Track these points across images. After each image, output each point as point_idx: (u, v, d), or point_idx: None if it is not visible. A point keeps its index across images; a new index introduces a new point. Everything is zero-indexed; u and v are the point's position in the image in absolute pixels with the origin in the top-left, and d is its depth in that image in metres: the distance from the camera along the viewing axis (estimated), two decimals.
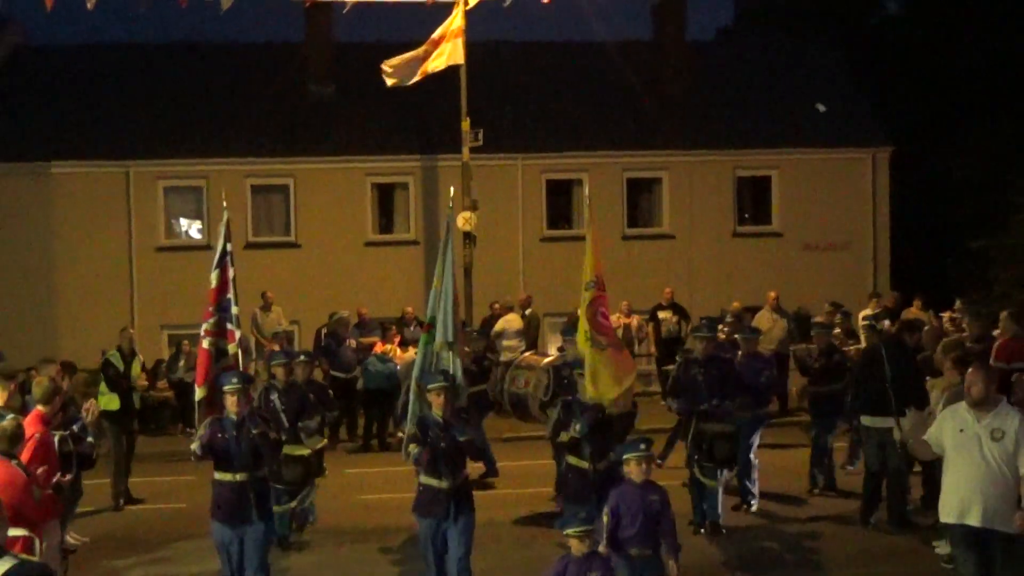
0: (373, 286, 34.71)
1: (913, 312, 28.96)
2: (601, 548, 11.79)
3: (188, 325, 30.07)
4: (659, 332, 31.36)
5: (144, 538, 18.21)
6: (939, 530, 17.21)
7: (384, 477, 20.61)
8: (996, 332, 22.21)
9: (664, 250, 37.05)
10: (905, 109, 46.06)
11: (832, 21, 52.12)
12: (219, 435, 13.61)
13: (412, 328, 27.42)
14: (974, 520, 11.85)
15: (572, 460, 14.96)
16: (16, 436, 11.66)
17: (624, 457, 12.45)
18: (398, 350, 27.27)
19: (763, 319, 28.95)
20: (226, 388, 13.84)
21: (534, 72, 39.05)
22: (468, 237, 31.92)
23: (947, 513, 12.21)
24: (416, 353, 16.16)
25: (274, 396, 17.86)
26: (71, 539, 17.54)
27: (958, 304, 28.36)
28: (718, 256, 36.76)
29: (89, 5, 28.41)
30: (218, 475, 13.72)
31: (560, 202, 37.85)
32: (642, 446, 12.42)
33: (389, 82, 30.64)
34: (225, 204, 16.47)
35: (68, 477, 13.14)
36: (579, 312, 17.13)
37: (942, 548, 16.63)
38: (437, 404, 13.93)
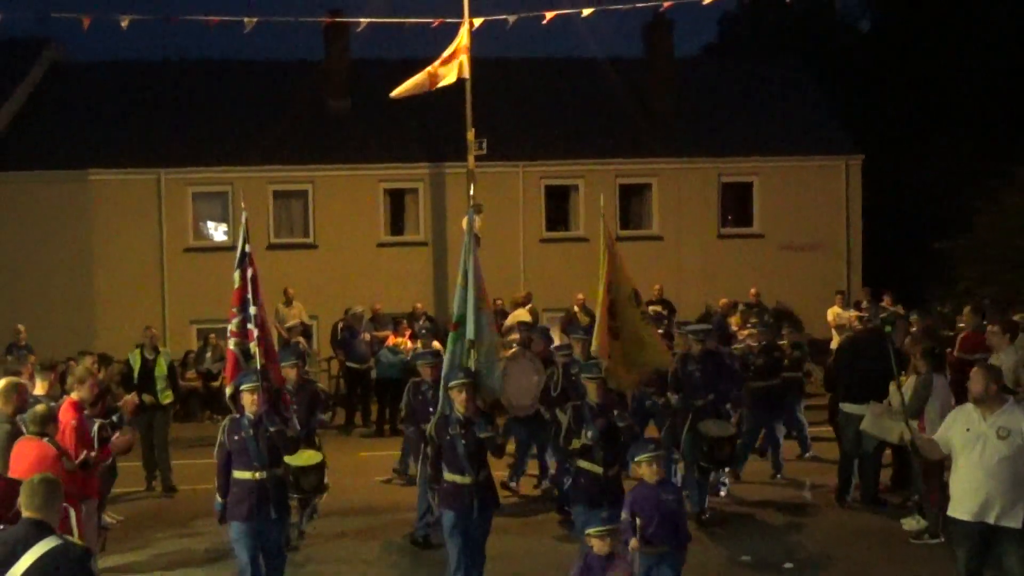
0: (385, 284, 34.68)
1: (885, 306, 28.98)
2: (633, 544, 11.44)
3: (215, 320, 30.15)
4: None
5: (176, 516, 18.12)
6: (908, 508, 17.23)
7: (395, 460, 20.33)
8: (960, 325, 22.28)
9: (654, 250, 36.96)
10: (875, 121, 46.07)
11: (807, 41, 52.44)
12: (236, 436, 12.81)
13: (421, 322, 27.34)
14: (981, 517, 11.62)
15: (584, 465, 13.51)
16: (46, 418, 11.72)
17: (636, 459, 11.95)
18: (408, 343, 27.23)
19: (735, 321, 28.93)
20: (243, 387, 13.04)
21: (534, 86, 39.05)
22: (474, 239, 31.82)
23: (955, 509, 11.96)
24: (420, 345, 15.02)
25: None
26: (107, 518, 17.49)
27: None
28: (703, 256, 36.75)
29: (123, 24, 28.40)
30: (236, 474, 12.81)
31: (558, 206, 37.83)
32: (651, 446, 12.06)
33: (394, 93, 30.52)
34: (244, 207, 15.51)
35: (93, 453, 13.04)
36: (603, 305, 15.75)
37: (909, 524, 16.58)
38: (459, 401, 13.03)
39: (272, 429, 12.84)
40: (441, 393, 13.70)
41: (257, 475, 12.73)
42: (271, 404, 13.61)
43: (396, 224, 37.50)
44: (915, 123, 47.41)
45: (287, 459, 13.68)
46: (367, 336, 27.70)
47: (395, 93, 30.21)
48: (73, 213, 35.39)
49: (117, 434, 13.93)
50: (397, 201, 37.49)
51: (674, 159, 37.16)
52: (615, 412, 13.66)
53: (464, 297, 14.10)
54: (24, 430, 12.10)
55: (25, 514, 7.79)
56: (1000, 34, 48.52)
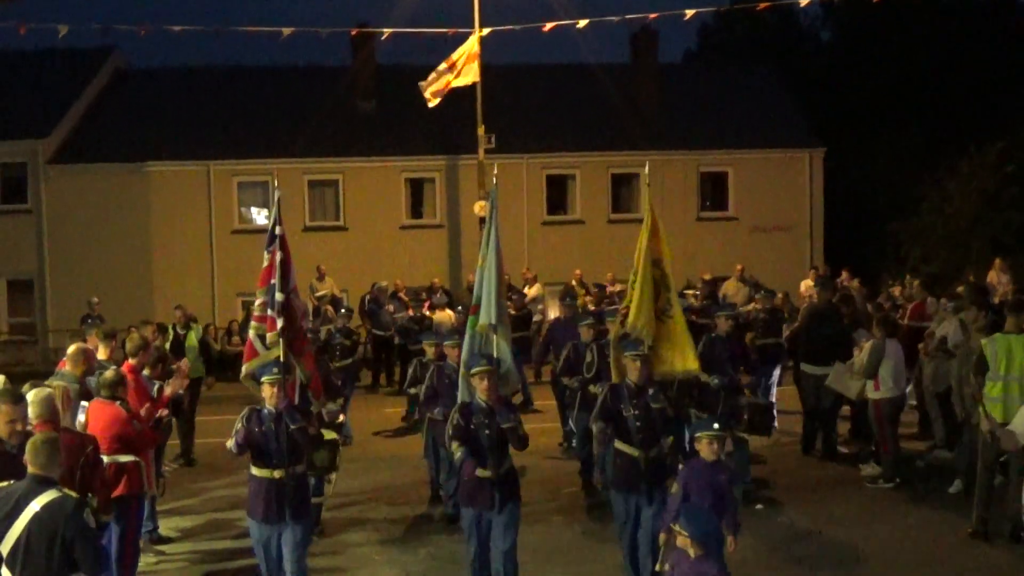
0: (406, 261, 34.73)
1: (843, 281, 28.94)
2: (730, 544, 9.95)
3: (255, 293, 30.09)
4: None
5: (225, 466, 18.03)
6: (863, 457, 17.19)
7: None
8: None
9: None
10: (835, 117, 45.96)
11: (776, 48, 52.32)
12: (256, 428, 10.94)
13: (439, 295, 27.23)
14: None
15: (621, 447, 11.65)
16: (116, 383, 11.64)
17: (696, 435, 10.45)
18: (427, 313, 27.17)
19: (730, 286, 28.97)
20: (264, 379, 11.19)
21: (536, 89, 38.97)
22: (482, 222, 31.91)
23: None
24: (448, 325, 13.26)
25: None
26: (164, 466, 17.49)
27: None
28: (684, 236, 36.49)
29: (177, 31, 28.42)
30: (255, 470, 11.02)
31: (557, 193, 37.83)
32: (715, 425, 10.47)
33: (431, 104, 30.62)
34: (277, 186, 13.56)
35: (165, 413, 13.05)
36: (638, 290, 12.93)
37: (866, 471, 16.54)
38: (481, 389, 11.08)
39: (293, 426, 10.94)
40: (460, 380, 11.91)
41: (276, 473, 10.86)
42: (295, 399, 12.10)
43: (416, 209, 37.56)
44: (871, 120, 47.38)
45: None
46: (391, 307, 27.64)
47: (425, 89, 30.29)
48: (133, 200, 35.45)
49: (167, 385, 13.79)
50: (417, 189, 37.52)
51: (659, 151, 36.97)
52: (651, 392, 11.72)
53: (483, 279, 12.05)
54: (93, 392, 12.09)
55: (30, 470, 7.71)
56: (944, 44, 48.49)
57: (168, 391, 13.48)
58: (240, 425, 10.99)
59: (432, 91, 30.31)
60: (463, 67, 30.10)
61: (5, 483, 7.98)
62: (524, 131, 36.44)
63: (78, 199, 35.15)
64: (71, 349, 12.59)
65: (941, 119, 45.60)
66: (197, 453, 18.88)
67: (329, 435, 13.39)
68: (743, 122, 38.43)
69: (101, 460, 10.33)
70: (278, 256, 12.36)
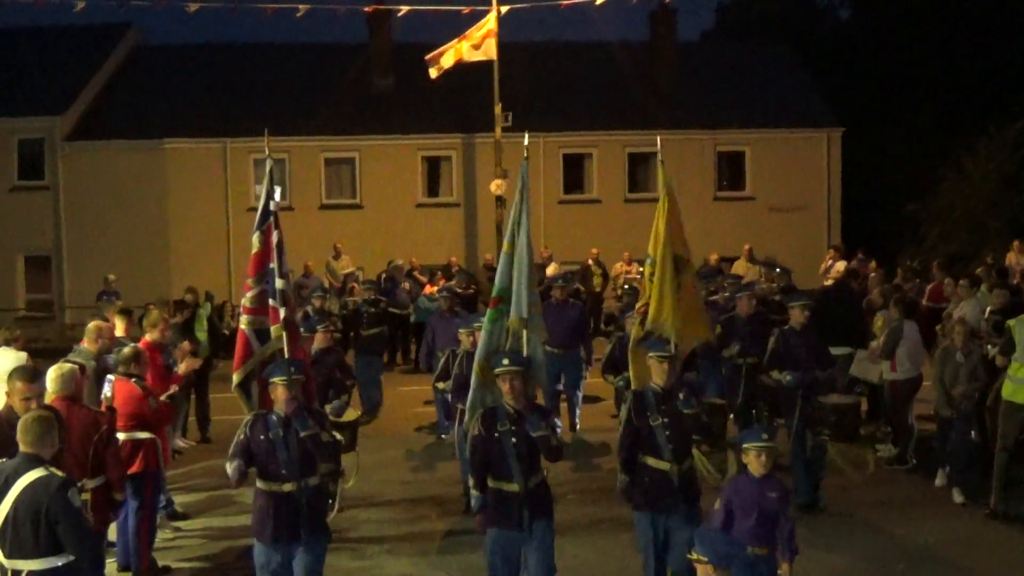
0: (422, 240, 34.73)
1: (855, 262, 28.94)
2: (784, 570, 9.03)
3: None
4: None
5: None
6: (880, 437, 17.12)
7: (430, 393, 18.91)
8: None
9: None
10: (854, 97, 45.72)
11: (793, 27, 52.14)
12: (262, 436, 9.34)
13: (455, 272, 27.25)
14: None
15: (650, 461, 9.94)
16: (131, 359, 11.66)
17: (743, 446, 9.17)
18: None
19: (739, 267, 28.88)
20: (277, 379, 9.40)
21: (553, 67, 38.85)
22: (499, 200, 32.00)
23: None
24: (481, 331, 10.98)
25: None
26: (180, 443, 17.51)
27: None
28: (701, 216, 36.40)
29: (191, 10, 28.41)
30: (261, 484, 9.42)
31: (573, 172, 37.77)
32: (764, 435, 9.11)
33: (433, 74, 30.66)
34: (268, 153, 11.50)
35: (176, 388, 13.08)
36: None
37: (883, 451, 16.48)
38: (507, 392, 9.40)
39: (304, 433, 9.28)
40: (474, 381, 10.23)
41: (286, 487, 9.27)
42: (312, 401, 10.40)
43: (432, 187, 37.56)
44: (889, 99, 47.15)
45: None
46: (407, 285, 27.63)
47: (434, 75, 30.36)
48: (150, 177, 35.51)
49: (183, 363, 13.82)
50: (433, 167, 37.51)
51: (676, 131, 36.84)
52: (681, 396, 9.98)
53: (510, 268, 10.34)
54: (111, 369, 12.12)
55: (21, 448, 7.73)
56: (962, 23, 48.21)
57: (182, 369, 13.52)
58: (241, 435, 9.46)
59: (437, 65, 30.35)
60: (481, 41, 30.09)
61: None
62: (541, 109, 36.35)
63: (95, 176, 35.24)
64: (89, 326, 12.64)
65: (959, 99, 45.35)
66: (212, 431, 18.86)
67: (351, 415, 13.15)
68: (761, 101, 38.29)
69: (116, 438, 10.36)
70: (274, 236, 10.44)
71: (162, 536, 12.98)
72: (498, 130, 31.95)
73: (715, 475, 13.39)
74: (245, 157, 36.02)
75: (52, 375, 9.86)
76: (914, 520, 13.45)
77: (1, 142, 35.91)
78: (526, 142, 11.82)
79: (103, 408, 10.23)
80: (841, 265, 27.60)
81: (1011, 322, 13.32)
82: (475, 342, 12.72)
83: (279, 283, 10.20)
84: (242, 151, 35.89)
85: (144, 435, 11.57)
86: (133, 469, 11.17)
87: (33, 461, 7.64)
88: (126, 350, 11.86)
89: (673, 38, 40.99)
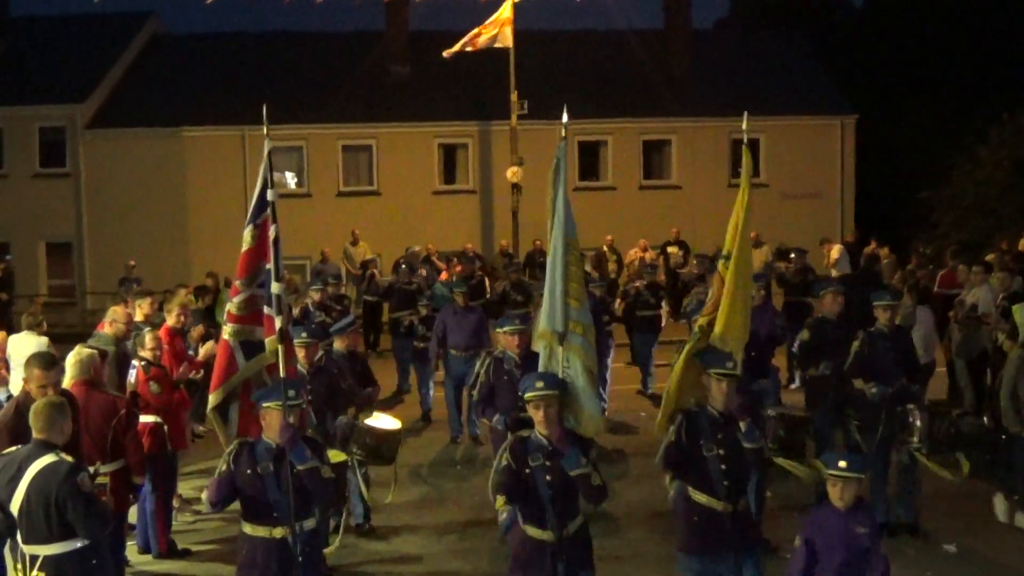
0: (439, 226, 34.68)
1: (872, 248, 28.90)
2: None
3: (289, 256, 30.23)
4: (668, 263, 31.32)
5: None
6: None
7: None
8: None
9: (672, 198, 36.94)
10: (867, 85, 45.60)
11: (808, 15, 52.04)
12: (249, 470, 7.84)
13: (462, 258, 27.25)
14: None
15: (699, 497, 8.33)
16: (142, 343, 11.71)
17: (828, 473, 7.66)
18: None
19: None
20: (269, 404, 8.01)
21: (569, 55, 38.80)
22: (516, 187, 32.03)
23: None
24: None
25: None
26: (200, 428, 17.56)
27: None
28: (715, 203, 36.34)
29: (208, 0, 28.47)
30: (247, 528, 7.99)
31: (588, 159, 37.69)
32: (843, 463, 7.60)
33: (446, 53, 30.76)
34: (267, 132, 9.49)
35: (193, 372, 13.09)
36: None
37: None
38: (539, 420, 7.82)
39: (301, 467, 7.82)
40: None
41: (277, 532, 7.87)
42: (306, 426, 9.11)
43: (449, 175, 37.55)
44: (903, 87, 47.00)
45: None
46: (423, 272, 27.62)
47: (447, 53, 30.42)
48: (170, 165, 35.57)
49: (202, 349, 13.84)
50: (450, 155, 37.49)
51: (690, 118, 36.95)
52: (743, 426, 8.35)
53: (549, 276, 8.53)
54: (130, 354, 12.18)
55: (33, 435, 7.76)
56: (975, 9, 48.03)
57: (201, 354, 13.54)
58: (224, 467, 7.94)
59: (452, 50, 30.51)
60: (499, 30, 30.12)
61: (13, 448, 8.05)
62: (556, 97, 36.19)
63: (116, 163, 35.31)
64: (109, 312, 12.69)
65: (973, 86, 45.16)
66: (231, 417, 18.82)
67: (336, 456, 10.07)
68: (775, 89, 38.13)
69: (134, 423, 10.38)
70: (271, 231, 8.85)
71: (182, 519, 13.07)
72: (514, 118, 31.95)
73: (808, 470, 10.54)
74: (263, 144, 35.93)
75: (71, 360, 9.90)
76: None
77: (23, 130, 36.01)
78: (564, 118, 9.59)
79: (127, 394, 10.27)
80: (836, 249, 27.65)
81: (1016, 307, 13.22)
82: (519, 344, 11.70)
83: (275, 287, 8.54)
84: (260, 138, 35.61)
85: (150, 419, 11.59)
86: None
87: (44, 447, 7.67)
88: (144, 333, 11.91)
89: (687, 26, 40.86)
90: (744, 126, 9.82)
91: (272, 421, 7.98)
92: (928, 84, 45.96)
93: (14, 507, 7.55)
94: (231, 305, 8.89)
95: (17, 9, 39.20)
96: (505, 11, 30.23)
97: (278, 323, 8.48)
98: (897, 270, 20.53)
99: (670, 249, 31.72)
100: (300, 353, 11.11)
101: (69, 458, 7.72)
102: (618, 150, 37.42)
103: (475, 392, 12.68)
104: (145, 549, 11.77)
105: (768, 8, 56.11)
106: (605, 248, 31.07)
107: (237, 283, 8.91)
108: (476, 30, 30.53)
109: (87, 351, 10.17)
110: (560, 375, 8.16)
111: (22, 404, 8.85)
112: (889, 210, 41.84)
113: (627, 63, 38.59)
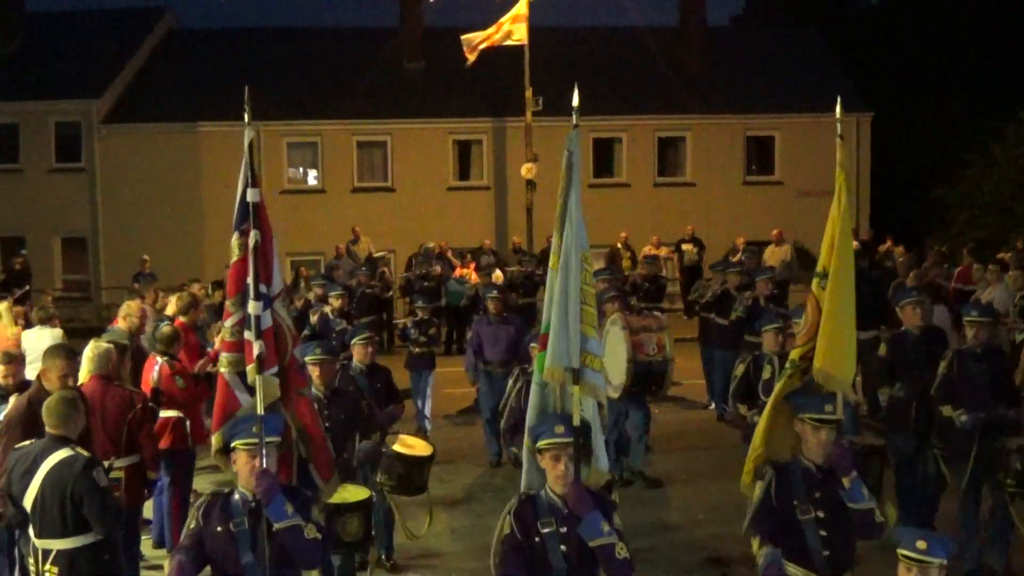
0: (453, 223, 34.69)
1: (887, 247, 28.85)
2: None
3: (304, 252, 30.75)
4: (682, 261, 31.31)
5: None
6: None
7: (462, 374, 18.16)
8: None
9: (687, 195, 36.88)
10: (883, 82, 45.48)
11: (823, 12, 51.88)
12: (219, 527, 6.59)
13: (487, 255, 27.22)
14: None
15: (794, 571, 6.86)
16: (168, 339, 11.70)
17: (902, 554, 5.95)
18: (473, 275, 27.13)
19: (768, 251, 28.80)
20: (236, 443, 6.73)
21: (584, 51, 38.72)
22: (530, 184, 32.00)
23: None
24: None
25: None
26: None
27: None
28: (730, 200, 36.55)
29: None
30: None
31: (603, 156, 37.62)
32: (920, 544, 5.92)
33: (470, 58, 30.69)
34: (249, 120, 8.16)
35: (213, 366, 13.12)
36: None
37: None
38: (555, 476, 6.35)
39: (279, 525, 6.48)
40: (526, 453, 6.84)
41: None
42: (291, 478, 7.56)
43: (463, 171, 37.54)
44: (918, 84, 46.89)
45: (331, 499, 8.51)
46: (437, 268, 27.62)
47: (469, 63, 30.40)
48: (185, 160, 35.63)
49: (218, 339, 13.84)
50: (464, 151, 37.48)
51: (705, 115, 36.90)
52: (849, 483, 6.77)
53: (551, 295, 6.92)
54: (147, 348, 12.19)
55: (47, 429, 7.77)
56: (991, 7, 47.91)
57: (218, 345, 13.54)
58: (192, 523, 6.70)
59: (472, 49, 30.43)
60: (512, 28, 30.12)
61: (27, 442, 8.05)
62: (571, 94, 36.22)
63: (131, 158, 35.38)
64: (123, 307, 12.69)
65: (988, 84, 45.07)
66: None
67: (359, 494, 9.04)
68: (790, 86, 38.05)
69: (150, 417, 10.38)
70: (252, 240, 7.57)
71: None
72: (528, 114, 31.92)
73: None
74: (278, 140, 36.10)
75: (88, 354, 9.91)
76: None
77: (38, 125, 36.09)
78: (575, 100, 7.83)
79: (148, 390, 10.29)
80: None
81: None
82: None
83: (252, 307, 7.27)
84: (275, 134, 35.96)
85: (172, 413, 11.59)
86: (161, 446, 11.20)
87: (59, 441, 7.68)
88: (164, 328, 11.95)
89: (702, 22, 40.74)
90: (838, 114, 8.07)
91: (242, 466, 6.62)
92: (943, 82, 45.87)
93: (27, 501, 7.56)
94: (224, 331, 7.65)
95: (33, 5, 39.27)
96: (521, 7, 30.21)
97: (256, 349, 7.20)
98: (911, 268, 20.45)
99: (684, 246, 31.69)
100: (314, 372, 9.82)
101: (85, 452, 7.73)
102: (633, 147, 37.36)
103: (503, 418, 11.70)
104: (160, 543, 11.77)
105: (783, 5, 56.00)
106: (619, 245, 31.02)
107: (228, 303, 7.60)
108: (491, 28, 30.47)
109: (104, 345, 10.17)
110: (577, 421, 6.59)
111: (34, 398, 8.86)
112: (904, 208, 41.74)
113: (642, 60, 38.51)
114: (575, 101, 7.62)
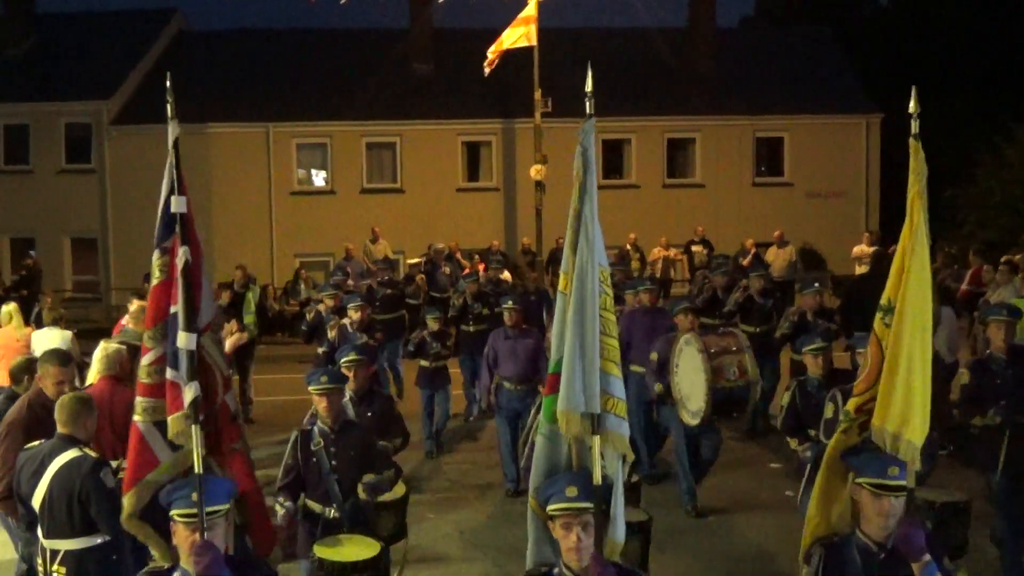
0: (463, 224, 34.73)
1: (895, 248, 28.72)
2: None
3: (313, 253, 30.82)
4: (692, 262, 31.30)
5: (280, 423, 17.75)
6: None
7: (460, 375, 18.44)
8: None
9: (696, 196, 36.88)
10: (893, 83, 45.32)
11: (833, 13, 51.81)
12: None
13: (496, 256, 27.21)
14: None
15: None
16: None
17: None
18: (483, 275, 27.11)
19: (771, 253, 28.77)
20: (174, 512, 5.36)
21: (593, 52, 38.35)
22: (539, 185, 31.99)
23: None
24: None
25: (318, 444, 8.59)
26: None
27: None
28: (739, 201, 36.56)
29: None
30: None
31: (612, 157, 37.62)
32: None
33: (488, 69, 30.67)
34: (173, 114, 6.93)
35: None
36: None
37: None
38: (569, 546, 5.17)
39: None
40: (530, 514, 5.79)
41: None
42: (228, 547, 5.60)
43: (472, 172, 37.60)
44: (928, 85, 46.55)
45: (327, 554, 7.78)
46: (447, 269, 27.62)
47: (487, 71, 30.39)
48: (194, 161, 35.50)
49: (228, 341, 13.89)
50: (473, 152, 37.53)
51: (715, 116, 36.90)
52: (918, 569, 5.31)
53: (562, 327, 5.80)
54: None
55: (58, 429, 7.77)
56: (1001, 7, 47.84)
57: (228, 347, 13.58)
58: None
59: (491, 63, 30.44)
60: (524, 28, 30.14)
61: (36, 442, 8.07)
62: (580, 95, 36.12)
63: (140, 159, 35.34)
64: (132, 306, 12.71)
65: (998, 84, 45.02)
66: (254, 413, 18.86)
67: (370, 549, 7.97)
68: (799, 87, 38.05)
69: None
70: (182, 259, 6.41)
71: None
72: (538, 115, 31.89)
73: None
74: (288, 141, 36.19)
75: (97, 355, 9.90)
76: None
77: (49, 126, 36.21)
78: (588, 86, 6.62)
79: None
80: (864, 249, 27.51)
81: None
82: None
83: (182, 339, 5.98)
84: (284, 135, 36.05)
85: None
86: None
87: (68, 442, 7.69)
88: None
89: (712, 23, 40.76)
90: (911, 106, 6.59)
91: (181, 541, 5.36)
92: (953, 82, 45.78)
93: (36, 502, 7.58)
94: (140, 371, 6.39)
95: (44, 6, 39.38)
96: (530, 9, 30.21)
97: (188, 395, 5.90)
98: None
99: (694, 248, 31.68)
100: (320, 404, 8.68)
101: (93, 453, 7.74)
102: (642, 148, 37.37)
103: (524, 449, 10.37)
104: None
105: (793, 6, 56.03)
106: (628, 247, 31.00)
107: (146, 337, 6.34)
108: (506, 33, 30.42)
109: (114, 346, 10.17)
110: (598, 479, 5.52)
111: (34, 401, 8.86)
112: None
113: (651, 61, 38.49)
114: (588, 86, 6.35)
